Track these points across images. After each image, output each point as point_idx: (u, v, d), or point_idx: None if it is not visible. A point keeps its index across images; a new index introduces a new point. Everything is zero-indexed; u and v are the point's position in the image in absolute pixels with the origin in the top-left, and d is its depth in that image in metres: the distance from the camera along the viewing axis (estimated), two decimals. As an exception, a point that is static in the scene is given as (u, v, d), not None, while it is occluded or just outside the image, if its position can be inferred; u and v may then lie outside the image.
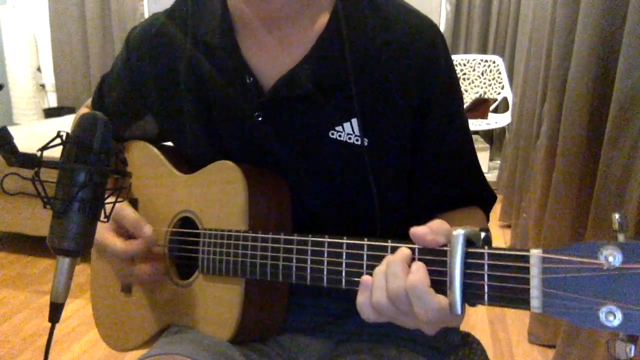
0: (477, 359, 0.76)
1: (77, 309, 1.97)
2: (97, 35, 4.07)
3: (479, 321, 1.93)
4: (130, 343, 0.81)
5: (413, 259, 0.50)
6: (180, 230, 0.74)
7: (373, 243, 0.53)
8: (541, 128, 1.91)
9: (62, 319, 0.58)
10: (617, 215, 0.40)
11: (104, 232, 0.71)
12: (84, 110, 0.89)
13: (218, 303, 0.67)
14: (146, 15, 3.92)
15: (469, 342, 0.79)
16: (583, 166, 1.51)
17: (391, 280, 0.49)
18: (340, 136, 0.66)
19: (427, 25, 0.67)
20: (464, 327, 0.83)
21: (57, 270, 0.57)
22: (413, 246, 0.50)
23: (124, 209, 0.71)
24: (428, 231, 0.49)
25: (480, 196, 0.75)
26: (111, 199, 0.59)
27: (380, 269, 0.51)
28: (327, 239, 0.56)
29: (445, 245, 0.49)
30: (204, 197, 0.70)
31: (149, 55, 0.75)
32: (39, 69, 4.24)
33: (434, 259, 0.49)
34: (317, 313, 0.74)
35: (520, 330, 1.84)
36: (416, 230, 0.49)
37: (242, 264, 0.63)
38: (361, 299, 0.51)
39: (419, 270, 0.48)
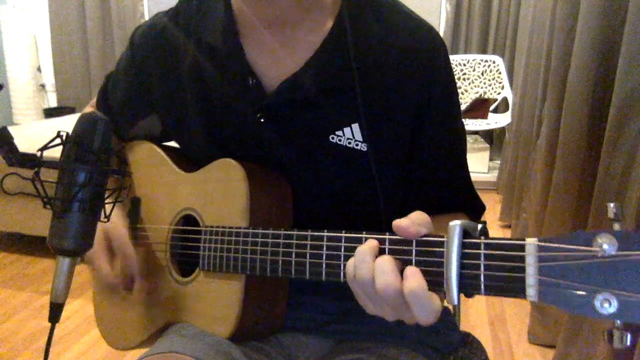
0: (477, 359, 0.76)
1: (77, 309, 1.97)
2: (97, 35, 4.07)
3: (479, 321, 1.93)
4: (130, 341, 0.81)
5: (405, 263, 0.50)
6: (182, 227, 0.74)
7: (370, 236, 0.53)
8: (541, 128, 1.91)
9: (62, 319, 0.58)
10: (612, 205, 0.40)
11: (95, 250, 0.73)
12: (88, 109, 0.89)
13: (218, 300, 0.67)
14: (146, 15, 3.93)
15: (469, 342, 0.79)
16: (583, 166, 1.51)
17: (361, 267, 0.50)
18: (340, 140, 0.66)
19: (428, 32, 0.67)
20: (464, 327, 0.83)
21: (57, 270, 0.57)
22: (406, 239, 0.50)
23: (122, 236, 0.74)
24: (410, 223, 0.49)
25: (468, 205, 0.75)
26: (111, 199, 0.59)
27: (363, 248, 0.52)
28: (325, 234, 0.56)
29: (429, 235, 0.49)
30: (205, 195, 0.71)
31: (152, 55, 0.76)
32: (39, 69, 4.24)
33: (431, 250, 0.49)
34: (317, 312, 0.74)
35: (520, 330, 1.85)
36: (399, 223, 0.50)
37: (243, 260, 0.63)
38: (348, 264, 0.52)
39: (415, 275, 0.48)
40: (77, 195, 0.54)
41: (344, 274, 0.54)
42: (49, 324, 0.57)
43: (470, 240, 0.46)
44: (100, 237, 0.73)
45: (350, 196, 0.70)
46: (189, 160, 0.77)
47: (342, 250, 0.54)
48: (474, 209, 0.76)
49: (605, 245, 0.38)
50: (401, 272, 0.49)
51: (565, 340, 1.46)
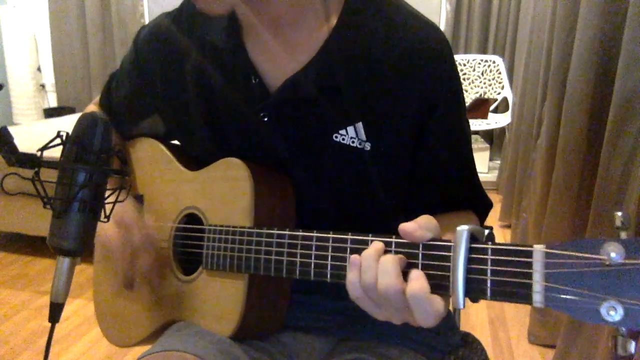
0: (477, 359, 0.76)
1: (77, 309, 1.97)
2: (97, 35, 4.07)
3: (479, 321, 1.93)
4: (131, 339, 0.81)
5: (409, 263, 0.50)
6: (185, 226, 0.74)
7: (376, 239, 0.53)
8: (541, 128, 1.91)
9: (62, 319, 0.58)
10: (619, 214, 0.40)
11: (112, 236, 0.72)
12: (91, 107, 0.89)
13: (220, 299, 0.67)
14: (146, 15, 3.93)
15: (469, 342, 0.79)
16: (583, 166, 1.51)
17: (381, 276, 0.49)
18: (343, 139, 0.66)
19: (432, 32, 0.67)
20: (464, 327, 0.83)
21: (57, 270, 0.57)
22: (416, 244, 0.50)
23: (133, 224, 0.73)
24: (416, 227, 0.49)
25: (475, 202, 0.75)
26: (111, 199, 0.59)
27: (369, 252, 0.51)
28: (331, 235, 0.56)
29: (435, 240, 0.50)
30: (209, 194, 0.71)
31: (156, 55, 0.76)
32: (39, 69, 4.24)
33: (437, 254, 0.49)
34: (318, 311, 0.74)
35: (520, 330, 1.85)
36: (405, 227, 0.50)
37: (246, 260, 0.63)
38: (351, 276, 0.52)
39: (418, 278, 0.48)
40: (77, 195, 0.54)
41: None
42: (49, 324, 0.57)
43: (477, 245, 0.46)
44: (115, 229, 0.73)
45: (354, 195, 0.69)
46: (193, 158, 0.77)
47: (348, 251, 0.54)
48: (481, 207, 0.76)
49: (613, 253, 0.39)
50: (405, 272, 0.49)
51: (565, 340, 1.46)
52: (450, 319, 0.79)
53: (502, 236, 2.68)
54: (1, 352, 1.72)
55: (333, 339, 0.74)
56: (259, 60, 0.68)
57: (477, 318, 1.95)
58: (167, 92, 0.76)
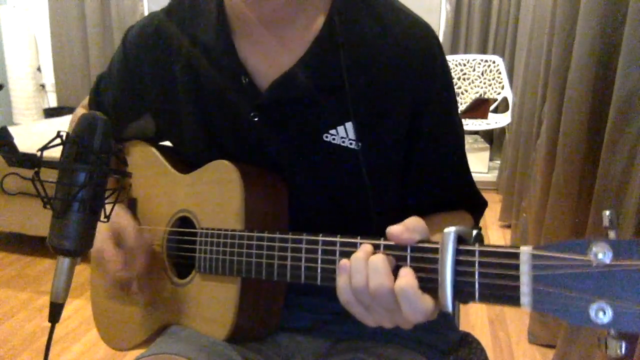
0: (477, 359, 0.76)
1: (77, 309, 1.97)
2: (97, 35, 4.07)
3: (479, 321, 1.93)
4: (128, 342, 0.81)
5: (398, 265, 0.50)
6: (178, 229, 0.74)
7: (365, 241, 0.53)
8: (541, 128, 1.91)
9: (62, 319, 0.58)
10: (607, 212, 0.40)
11: (104, 247, 0.73)
12: (80, 110, 0.89)
13: (214, 302, 0.67)
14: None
15: (469, 342, 0.79)
16: (583, 166, 1.51)
17: (372, 276, 0.49)
18: (334, 139, 0.66)
19: (423, 30, 0.67)
20: (464, 327, 0.83)
21: (57, 270, 0.57)
22: (405, 246, 0.50)
23: (128, 228, 0.73)
24: (404, 229, 0.49)
25: (469, 201, 0.75)
26: (111, 199, 0.59)
27: (358, 255, 0.51)
28: (321, 237, 0.56)
29: (424, 241, 0.49)
30: (201, 197, 0.70)
31: (146, 55, 0.75)
32: (39, 69, 4.24)
33: (425, 256, 0.49)
34: (315, 312, 0.74)
35: (520, 330, 1.85)
36: (392, 230, 0.50)
37: (238, 263, 0.63)
38: (340, 280, 0.52)
39: (407, 274, 0.48)
40: (77, 196, 0.54)
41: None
42: (49, 324, 0.57)
43: (464, 247, 0.46)
44: (108, 234, 0.73)
45: (345, 195, 0.69)
46: (185, 161, 0.77)
47: (337, 254, 0.54)
48: (476, 206, 0.76)
49: (600, 254, 0.38)
50: (394, 271, 0.49)
51: (565, 340, 1.46)
52: (449, 319, 0.79)
53: (502, 236, 2.68)
54: (1, 352, 1.72)
55: (330, 340, 0.74)
56: (249, 60, 0.68)
57: (477, 318, 1.95)
58: (158, 92, 0.75)
